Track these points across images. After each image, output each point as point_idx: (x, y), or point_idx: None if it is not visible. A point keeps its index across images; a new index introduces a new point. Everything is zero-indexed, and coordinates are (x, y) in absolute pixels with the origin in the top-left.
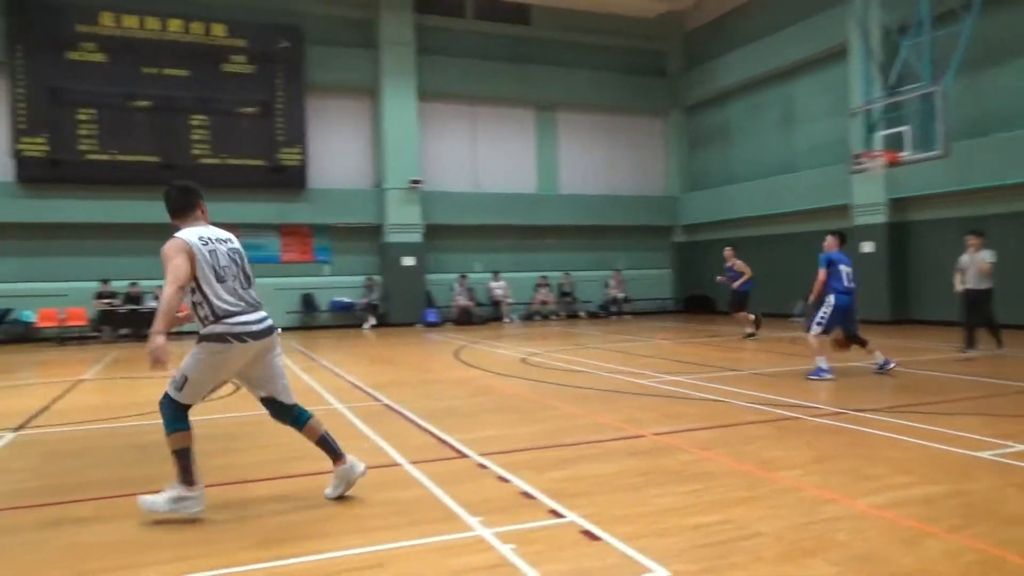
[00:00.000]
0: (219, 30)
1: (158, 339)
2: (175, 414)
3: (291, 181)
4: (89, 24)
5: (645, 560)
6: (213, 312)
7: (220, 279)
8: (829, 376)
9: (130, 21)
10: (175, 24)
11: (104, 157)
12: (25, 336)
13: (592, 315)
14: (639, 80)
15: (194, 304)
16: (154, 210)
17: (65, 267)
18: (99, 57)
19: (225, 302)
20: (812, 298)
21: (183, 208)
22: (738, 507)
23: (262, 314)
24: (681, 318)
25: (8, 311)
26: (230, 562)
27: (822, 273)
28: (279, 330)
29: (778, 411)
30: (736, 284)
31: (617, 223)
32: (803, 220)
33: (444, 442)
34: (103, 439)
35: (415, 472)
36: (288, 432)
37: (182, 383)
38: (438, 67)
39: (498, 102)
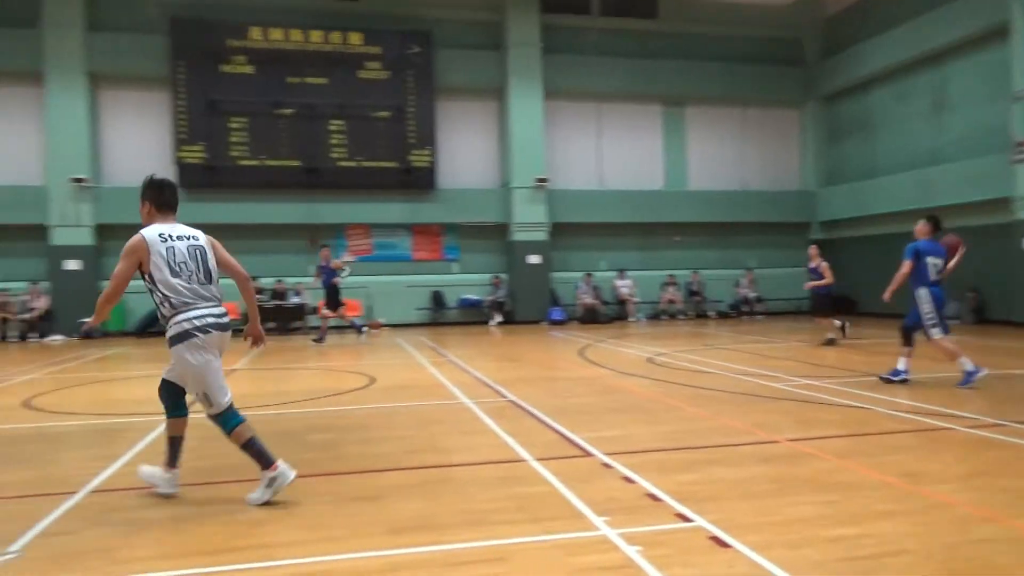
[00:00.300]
0: (356, 39)
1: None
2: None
3: (421, 182)
4: (240, 39)
5: (777, 571)
6: (172, 306)
7: (175, 274)
8: (981, 374)
9: (276, 34)
10: (316, 35)
11: (253, 162)
12: None
13: (722, 315)
14: (773, 70)
15: (156, 303)
16: (297, 211)
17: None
18: (248, 69)
19: (181, 295)
20: (887, 295)
21: (164, 204)
22: (881, 521)
23: (221, 308)
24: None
25: None
26: (364, 546)
27: (906, 265)
28: (227, 325)
29: (925, 420)
30: (810, 285)
31: (749, 219)
32: (956, 215)
33: (569, 440)
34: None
35: (540, 469)
36: (415, 424)
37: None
38: (564, 66)
39: (624, 98)
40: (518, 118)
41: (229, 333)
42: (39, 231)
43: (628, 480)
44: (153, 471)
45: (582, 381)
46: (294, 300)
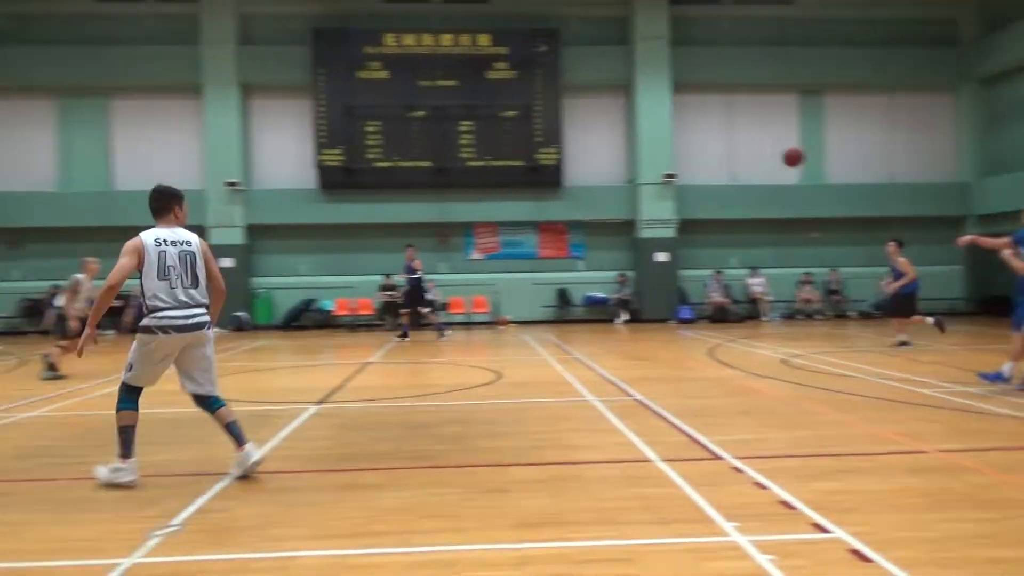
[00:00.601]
0: (484, 40)
1: (86, 331)
2: (124, 395)
3: (548, 179)
4: (375, 46)
5: None
6: (147, 306)
7: (162, 277)
8: None
9: (408, 40)
10: (447, 39)
11: (387, 164)
12: (325, 322)
13: (864, 315)
14: (922, 53)
15: (142, 297)
16: (428, 210)
17: (356, 262)
18: (383, 74)
19: (157, 299)
20: None
21: (157, 210)
22: None
23: (193, 311)
24: (976, 321)
25: (312, 300)
26: (493, 538)
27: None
28: (209, 329)
29: None
30: (894, 286)
31: (895, 214)
32: None
33: (697, 442)
34: (386, 416)
35: (667, 470)
36: (542, 420)
37: (128, 368)
38: (693, 58)
39: (757, 89)
40: (645, 113)
41: (196, 333)
42: (198, 232)
43: (760, 486)
44: (107, 469)
45: (711, 382)
46: (426, 296)
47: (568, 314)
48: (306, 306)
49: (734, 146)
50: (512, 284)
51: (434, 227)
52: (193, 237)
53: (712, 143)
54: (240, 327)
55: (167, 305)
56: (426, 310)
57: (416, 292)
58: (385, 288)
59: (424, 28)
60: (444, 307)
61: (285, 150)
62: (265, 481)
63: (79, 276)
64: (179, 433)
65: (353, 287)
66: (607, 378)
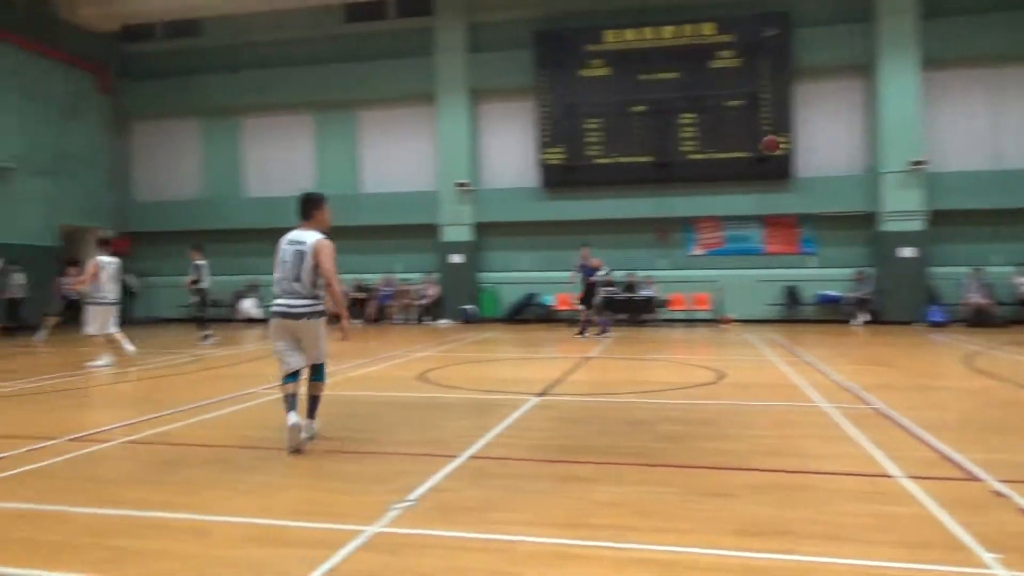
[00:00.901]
0: (708, 29)
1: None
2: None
3: (776, 171)
4: (596, 43)
5: None
6: (273, 293)
7: (278, 271)
8: None
9: (629, 35)
10: (668, 31)
11: (607, 160)
12: (545, 317)
13: None
14: None
15: None
16: (648, 205)
17: (574, 259)
18: (604, 71)
19: (275, 288)
20: None
21: (302, 213)
22: None
23: (293, 301)
24: None
25: (534, 295)
26: (711, 543)
27: None
28: (308, 316)
29: None
30: None
31: None
32: None
33: (949, 459)
34: (604, 411)
35: (912, 487)
36: (767, 424)
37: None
38: (947, 29)
39: None
40: (889, 94)
41: (293, 321)
42: (432, 230)
43: None
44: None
45: (968, 393)
46: (644, 293)
47: (797, 313)
48: (528, 300)
49: (1000, 126)
50: (736, 281)
51: (654, 223)
52: (310, 238)
53: (971, 124)
54: (468, 319)
55: (276, 294)
56: (583, 307)
57: (591, 290)
58: (604, 284)
59: (645, 22)
60: (664, 304)
61: (510, 150)
62: (491, 466)
63: None
64: (412, 416)
65: (573, 283)
66: (841, 383)
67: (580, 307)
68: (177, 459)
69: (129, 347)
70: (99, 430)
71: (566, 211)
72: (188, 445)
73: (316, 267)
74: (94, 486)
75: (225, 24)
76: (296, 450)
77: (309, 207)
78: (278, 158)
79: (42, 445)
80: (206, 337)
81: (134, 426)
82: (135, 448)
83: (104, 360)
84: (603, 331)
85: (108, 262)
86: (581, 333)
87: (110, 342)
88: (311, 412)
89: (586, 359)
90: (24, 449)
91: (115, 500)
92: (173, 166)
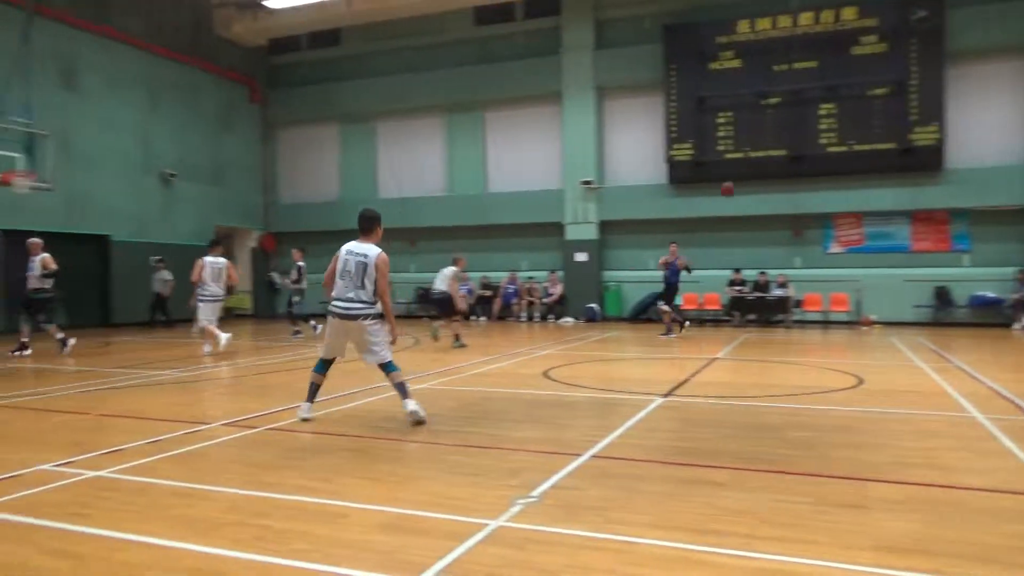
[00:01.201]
0: (850, 14)
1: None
2: (318, 362)
3: (924, 162)
4: (728, 35)
5: None
6: (330, 297)
7: (341, 277)
8: None
9: (763, 24)
10: (806, 18)
11: (738, 155)
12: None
13: None
14: None
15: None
16: (781, 201)
17: (704, 257)
18: (735, 63)
19: (335, 291)
20: None
21: (362, 228)
22: None
23: (349, 304)
24: None
25: (659, 294)
26: (848, 558)
27: None
28: (363, 319)
29: None
30: None
31: None
32: None
33: None
34: (731, 414)
35: None
36: (909, 434)
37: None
38: None
39: None
40: None
41: (351, 321)
42: (557, 228)
43: None
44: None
45: None
46: (777, 292)
47: (948, 316)
48: (653, 300)
49: None
50: (878, 280)
51: (788, 219)
52: (371, 252)
53: None
54: (591, 318)
55: (335, 298)
56: (664, 306)
57: (671, 288)
58: (733, 283)
59: (780, 10)
60: (798, 304)
61: (636, 147)
62: (612, 467)
63: (453, 268)
64: (536, 413)
65: (700, 282)
66: (999, 392)
67: (663, 306)
68: (314, 446)
69: (223, 336)
70: (246, 417)
71: (694, 208)
72: (324, 434)
73: (376, 278)
74: (240, 468)
75: (362, 33)
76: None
77: (371, 223)
78: (409, 160)
79: (196, 429)
80: (296, 333)
81: (276, 414)
82: (276, 435)
83: (208, 348)
84: (670, 330)
85: (212, 262)
86: (667, 332)
87: (207, 333)
88: (405, 395)
89: (713, 360)
90: (181, 432)
91: (258, 482)
92: (313, 170)
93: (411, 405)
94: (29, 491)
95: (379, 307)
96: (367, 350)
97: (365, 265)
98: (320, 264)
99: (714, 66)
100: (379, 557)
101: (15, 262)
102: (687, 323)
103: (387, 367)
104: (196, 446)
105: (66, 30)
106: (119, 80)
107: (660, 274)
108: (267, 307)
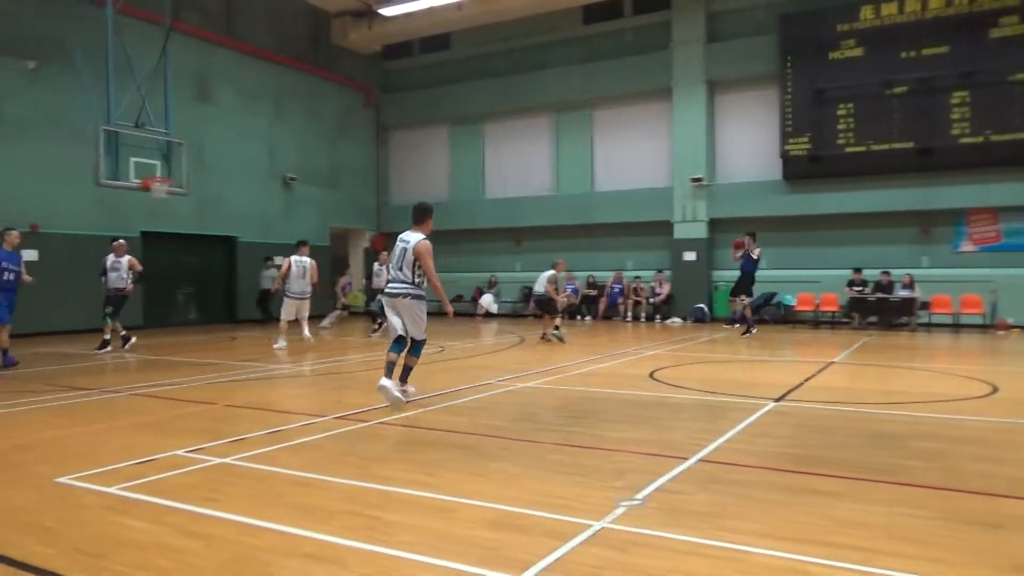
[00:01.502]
0: None
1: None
2: (392, 342)
3: None
4: (849, 22)
5: None
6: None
7: (393, 263)
8: None
9: (889, 9)
10: (936, 0)
11: (859, 148)
12: (785, 318)
13: None
14: None
15: None
16: (906, 197)
17: (820, 256)
18: (857, 52)
19: (390, 274)
20: None
21: (415, 220)
22: None
23: (396, 285)
24: None
25: (773, 295)
26: None
27: None
28: (403, 297)
29: None
30: None
31: None
32: None
33: None
34: (848, 421)
35: None
36: None
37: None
38: None
39: None
40: None
41: (396, 299)
42: (665, 227)
43: None
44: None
45: None
46: (901, 293)
47: None
48: (766, 300)
49: None
50: (1017, 281)
51: (914, 216)
52: (413, 239)
53: None
54: (700, 319)
55: (389, 279)
56: (745, 299)
57: (746, 281)
58: (853, 284)
59: None
60: (925, 306)
61: (748, 143)
62: (720, 471)
63: (551, 272)
64: (641, 414)
65: (818, 282)
66: None
67: (743, 299)
68: (423, 442)
69: (308, 334)
70: (358, 411)
71: (810, 205)
72: (433, 430)
73: (415, 262)
74: (353, 460)
75: (471, 36)
76: (396, 408)
77: (422, 215)
78: (516, 160)
79: (312, 421)
80: (375, 331)
81: (387, 409)
82: (388, 429)
83: (282, 343)
84: (745, 327)
85: (298, 261)
86: (747, 331)
87: (280, 329)
88: (404, 378)
89: (829, 364)
90: (298, 424)
91: (370, 475)
92: (423, 171)
93: (411, 389)
94: (164, 474)
95: (419, 289)
96: (410, 323)
97: (405, 251)
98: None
99: (834, 55)
100: (484, 552)
101: (153, 261)
102: (754, 331)
103: (415, 349)
104: (312, 437)
105: (200, 45)
106: (248, 91)
107: (772, 274)
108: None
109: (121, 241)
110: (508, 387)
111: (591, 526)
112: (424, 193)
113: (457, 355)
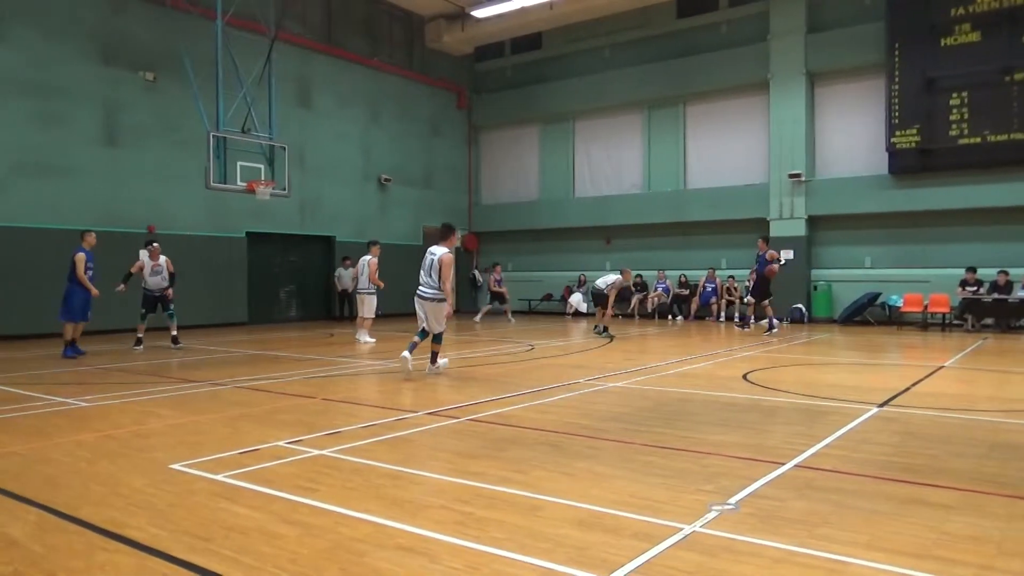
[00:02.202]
0: None
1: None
2: (419, 331)
3: None
4: (964, 6)
5: None
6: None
7: (422, 269)
8: None
9: None
10: None
11: (974, 140)
12: (891, 319)
13: None
14: None
15: None
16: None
17: (930, 254)
18: (973, 37)
19: (420, 279)
20: None
21: (440, 236)
22: None
23: (424, 289)
24: None
25: (877, 295)
26: None
27: None
28: (428, 300)
29: None
30: None
31: None
32: None
33: None
34: (962, 429)
35: None
36: None
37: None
38: None
39: None
40: None
41: (428, 300)
42: (760, 224)
43: None
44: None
45: None
46: (1021, 294)
47: None
48: (870, 300)
49: None
50: None
51: None
52: (439, 252)
53: None
54: (797, 319)
55: (420, 284)
56: (765, 301)
57: (763, 283)
58: (966, 283)
59: None
60: None
61: (850, 136)
62: (818, 478)
63: (618, 277)
64: (733, 417)
65: (928, 281)
66: None
67: (764, 303)
68: (512, 439)
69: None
70: (448, 407)
71: (919, 200)
72: (522, 427)
73: (440, 271)
74: (444, 455)
75: (562, 34)
76: (408, 378)
77: (446, 231)
78: (606, 158)
79: (404, 417)
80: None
81: (477, 406)
82: (476, 426)
83: (366, 337)
84: (769, 329)
85: (363, 260)
86: (753, 328)
87: (361, 325)
88: (433, 360)
89: (939, 368)
90: (391, 419)
91: (460, 470)
92: (513, 171)
93: (434, 368)
94: (266, 464)
95: (442, 293)
96: (432, 319)
97: (432, 261)
98: (522, 262)
99: (947, 41)
100: (572, 552)
101: (257, 261)
102: (776, 328)
103: (437, 338)
104: (404, 432)
105: (301, 53)
106: (345, 95)
107: (877, 272)
108: (471, 303)
109: (156, 244)
110: (597, 386)
111: (681, 529)
112: (514, 192)
113: (547, 354)
